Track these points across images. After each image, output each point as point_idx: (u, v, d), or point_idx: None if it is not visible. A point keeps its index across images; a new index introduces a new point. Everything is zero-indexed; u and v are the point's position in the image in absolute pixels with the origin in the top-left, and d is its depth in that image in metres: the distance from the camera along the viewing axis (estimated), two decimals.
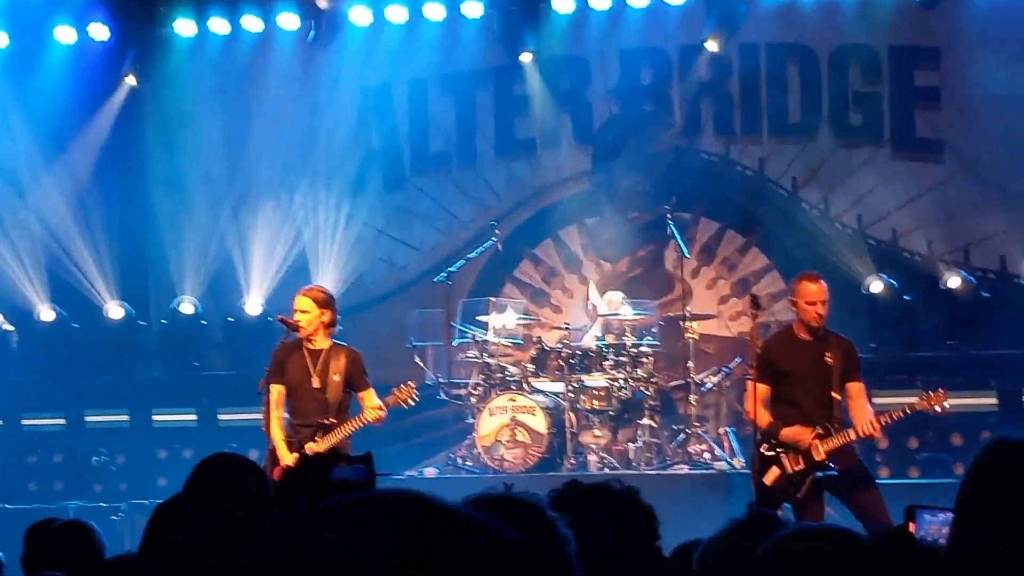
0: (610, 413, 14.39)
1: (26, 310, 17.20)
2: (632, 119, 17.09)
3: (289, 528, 2.11)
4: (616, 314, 14.65)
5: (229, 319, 17.28)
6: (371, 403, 11.07)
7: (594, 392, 14.32)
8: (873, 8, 16.39)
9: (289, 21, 17.15)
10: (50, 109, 17.19)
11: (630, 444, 14.46)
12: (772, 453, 10.56)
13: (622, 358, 14.36)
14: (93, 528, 6.20)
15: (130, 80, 17.55)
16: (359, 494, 2.11)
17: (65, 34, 17.23)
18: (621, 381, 14.28)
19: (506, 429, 14.00)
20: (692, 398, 14.54)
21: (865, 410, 10.56)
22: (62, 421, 16.89)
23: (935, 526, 4.36)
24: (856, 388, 10.65)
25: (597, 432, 14.39)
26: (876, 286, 15.96)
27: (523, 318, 15.43)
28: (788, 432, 10.50)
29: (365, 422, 10.98)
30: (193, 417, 16.73)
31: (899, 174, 16.50)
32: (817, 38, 16.69)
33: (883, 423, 10.48)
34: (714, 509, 12.21)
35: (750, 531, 3.66)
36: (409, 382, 11.34)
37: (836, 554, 3.04)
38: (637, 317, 14.68)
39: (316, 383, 10.98)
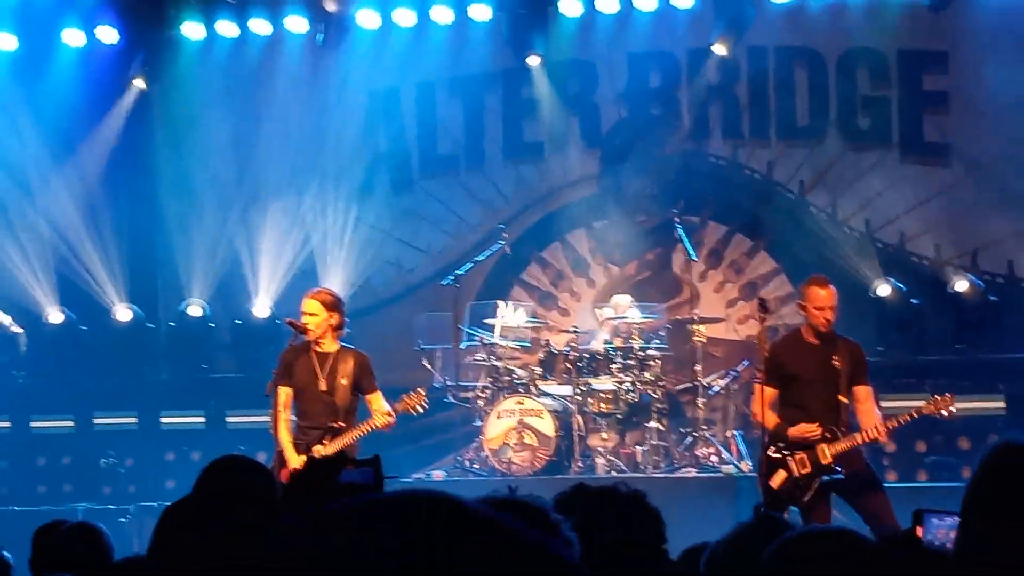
0: (617, 416, 14.39)
1: (35, 312, 17.23)
2: (640, 122, 17.09)
3: (297, 531, 2.12)
4: (623, 317, 14.65)
5: (237, 321, 17.29)
6: (379, 406, 11.07)
7: (602, 395, 14.32)
8: (881, 12, 16.37)
9: (297, 24, 17.16)
10: (59, 112, 17.21)
11: (637, 447, 14.46)
12: (779, 456, 10.55)
13: (630, 361, 14.36)
14: (101, 530, 6.22)
15: (139, 83, 17.57)
16: (368, 497, 2.11)
17: (74, 37, 17.26)
18: (629, 384, 14.28)
19: (514, 432, 14.01)
20: (700, 401, 14.55)
21: (873, 413, 10.56)
22: (71, 423, 16.91)
23: (942, 530, 4.36)
24: (864, 391, 10.64)
25: (604, 435, 14.39)
26: (884, 290, 15.95)
27: (531, 321, 15.43)
28: (795, 431, 10.50)
29: (374, 427, 10.97)
30: (201, 419, 16.75)
31: (907, 178, 16.49)
32: (825, 42, 16.69)
33: (890, 427, 10.47)
34: (721, 512, 12.21)
35: (757, 534, 3.67)
36: (419, 389, 11.32)
37: (842, 556, 3.05)
38: (645, 320, 14.68)
39: (323, 386, 10.98)
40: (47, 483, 16.58)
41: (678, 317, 15.53)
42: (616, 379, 14.30)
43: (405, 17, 16.96)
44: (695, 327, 14.73)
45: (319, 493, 4.77)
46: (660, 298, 15.99)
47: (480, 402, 14.61)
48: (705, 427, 14.55)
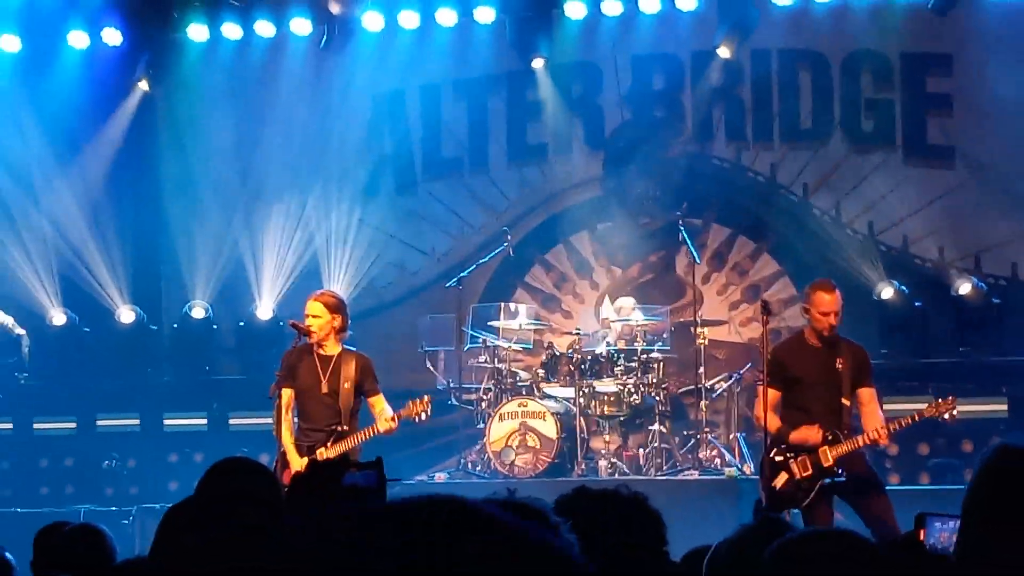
0: (620, 418, 14.39)
1: (38, 314, 17.23)
2: (644, 125, 17.09)
3: (299, 533, 2.12)
4: (627, 320, 14.65)
5: (240, 323, 17.30)
6: (381, 409, 11.05)
7: (605, 397, 14.32)
8: (885, 14, 16.37)
9: (301, 26, 17.16)
10: (63, 114, 17.22)
11: (640, 450, 14.46)
12: (781, 459, 10.55)
13: (633, 364, 14.36)
14: (103, 532, 6.22)
15: (143, 85, 17.58)
16: (371, 504, 2.11)
17: (78, 39, 17.27)
18: (631, 387, 14.28)
19: (516, 434, 14.01)
20: (702, 404, 14.54)
21: (876, 416, 10.55)
22: (73, 425, 16.91)
23: (945, 534, 4.36)
24: (867, 394, 10.64)
25: (607, 437, 14.40)
26: (887, 292, 15.95)
27: (534, 323, 15.43)
28: (797, 434, 10.50)
29: (377, 432, 10.96)
30: (204, 421, 16.75)
31: (911, 180, 16.49)
32: (829, 44, 16.69)
33: (891, 430, 10.47)
34: (724, 515, 12.21)
35: (759, 536, 3.66)
36: (424, 396, 11.31)
37: (843, 557, 3.05)
38: (648, 323, 14.68)
39: (325, 388, 10.97)
40: (49, 484, 16.58)
41: (681, 320, 15.53)
42: (619, 381, 14.30)
43: (409, 19, 16.96)
44: (698, 329, 14.72)
45: (322, 495, 4.77)
46: (663, 300, 15.98)
47: (483, 404, 14.61)
48: (708, 429, 14.55)
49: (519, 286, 17.15)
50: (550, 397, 14.45)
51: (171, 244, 17.58)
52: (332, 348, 11.04)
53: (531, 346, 15.32)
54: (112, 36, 17.21)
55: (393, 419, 10.97)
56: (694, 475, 14.08)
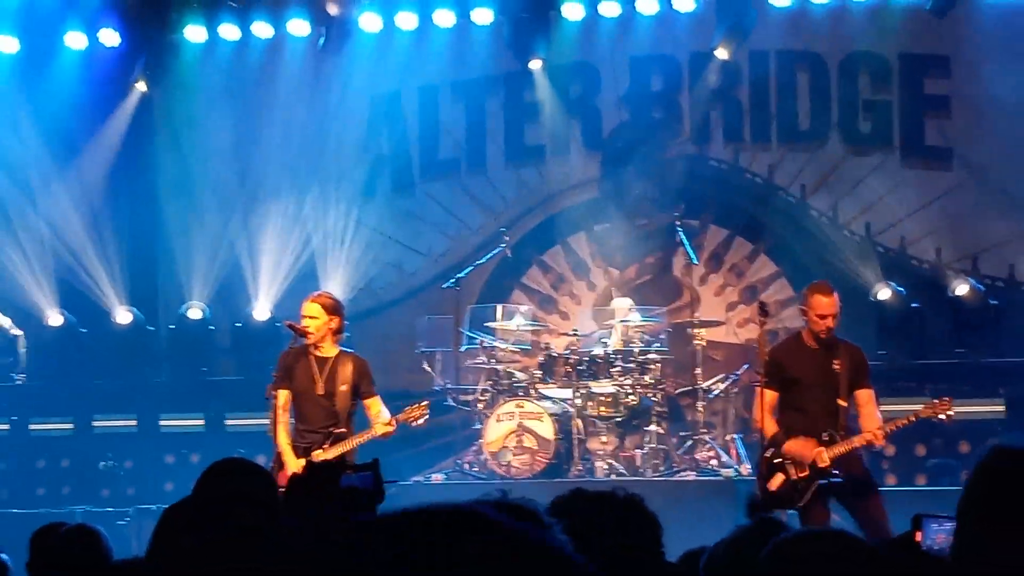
0: (617, 419, 14.38)
1: (35, 315, 17.23)
2: (641, 126, 17.09)
3: (296, 534, 2.11)
4: (626, 320, 14.64)
5: (237, 324, 17.29)
6: (376, 411, 11.03)
7: (601, 398, 14.32)
8: (883, 16, 16.37)
9: (299, 27, 17.16)
10: (61, 114, 17.21)
11: (637, 451, 14.46)
12: (778, 460, 10.56)
13: (630, 365, 14.37)
14: (100, 532, 6.21)
15: (140, 86, 17.58)
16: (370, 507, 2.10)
17: (76, 40, 17.26)
18: (628, 388, 14.29)
19: (513, 435, 14.00)
20: (699, 405, 14.55)
21: (874, 417, 10.56)
22: (70, 426, 16.89)
23: (942, 535, 4.35)
24: (865, 395, 10.64)
25: (604, 438, 14.39)
26: (884, 293, 15.95)
27: (531, 324, 15.43)
28: (791, 446, 10.51)
29: (374, 436, 10.94)
30: (201, 422, 16.73)
31: (908, 182, 16.50)
32: (827, 46, 16.69)
33: (887, 431, 10.48)
34: (721, 516, 12.19)
35: (756, 537, 3.66)
36: (423, 401, 11.29)
37: (838, 557, 3.05)
38: (647, 324, 14.69)
39: (320, 390, 10.95)
40: (46, 485, 16.56)
41: (678, 321, 15.53)
42: (616, 382, 14.30)
43: (407, 20, 16.96)
44: (695, 330, 14.73)
45: (319, 497, 4.76)
46: (660, 302, 15.98)
47: (480, 405, 14.61)
48: (704, 431, 14.55)
49: (516, 287, 17.15)
50: (547, 398, 14.45)
51: (168, 245, 17.58)
52: (329, 350, 11.03)
53: (528, 347, 15.32)
54: (110, 37, 17.21)
55: (391, 423, 10.96)
56: (691, 476, 14.08)
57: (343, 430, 10.93)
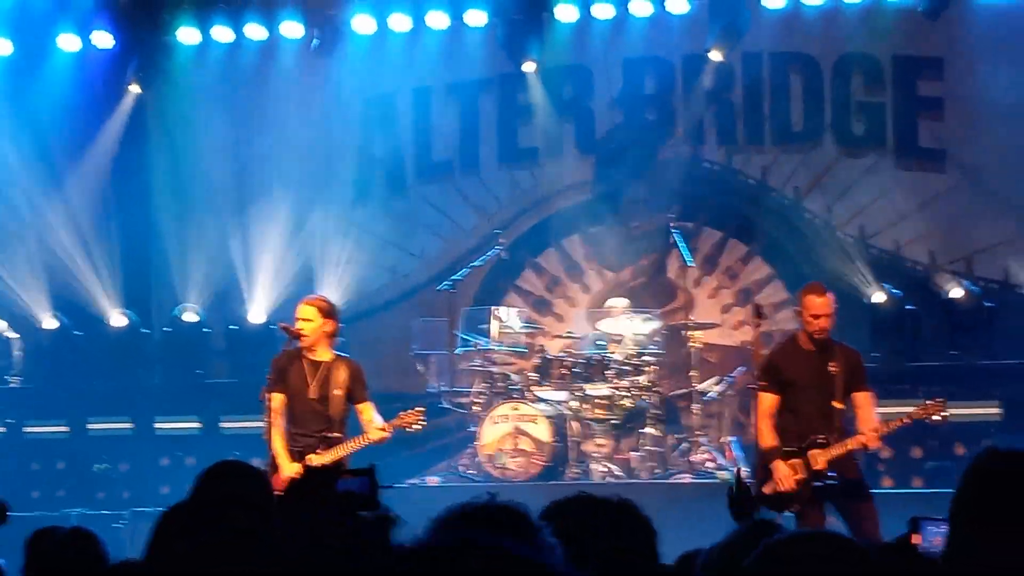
0: (613, 422, 14.39)
1: (30, 318, 17.22)
2: (635, 128, 17.08)
3: (292, 538, 2.12)
4: (627, 333, 14.60)
5: (232, 327, 17.28)
6: (369, 417, 10.99)
7: (597, 401, 14.32)
8: (876, 18, 16.37)
9: (292, 29, 17.15)
10: (54, 116, 17.21)
11: (633, 453, 14.46)
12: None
13: (625, 367, 14.37)
14: (95, 536, 6.20)
15: (134, 88, 17.57)
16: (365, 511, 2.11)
17: (69, 42, 17.24)
18: (624, 390, 14.29)
19: (509, 438, 14.01)
20: (695, 407, 14.55)
21: (870, 420, 10.57)
22: (65, 429, 16.87)
23: (939, 538, 4.36)
24: (862, 397, 10.66)
25: (600, 441, 14.39)
26: (878, 296, 15.96)
27: (526, 326, 15.42)
28: (776, 468, 10.53)
29: (369, 441, 10.91)
30: (196, 425, 16.72)
31: (902, 184, 16.50)
32: (820, 47, 16.69)
33: (882, 433, 10.49)
34: (716, 518, 12.12)
35: (752, 540, 3.66)
36: (418, 407, 11.26)
37: (831, 558, 3.05)
38: (646, 334, 14.68)
39: (313, 393, 10.92)
40: (41, 488, 16.54)
41: (673, 323, 15.53)
42: (611, 385, 14.30)
43: (400, 22, 16.96)
44: (690, 333, 14.74)
45: (314, 501, 4.77)
46: (655, 304, 15.97)
47: (475, 408, 14.61)
48: (700, 433, 14.55)
49: (511, 289, 17.14)
50: (542, 400, 14.45)
51: (162, 247, 17.57)
52: (323, 354, 11.00)
53: (523, 349, 15.32)
54: (103, 39, 17.21)
55: (386, 428, 10.93)
56: (687, 478, 14.09)
57: (337, 435, 10.91)
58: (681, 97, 17.11)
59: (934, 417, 10.57)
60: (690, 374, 14.66)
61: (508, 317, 15.19)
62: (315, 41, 17.24)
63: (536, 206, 17.35)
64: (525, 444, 13.99)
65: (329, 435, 10.88)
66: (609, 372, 14.36)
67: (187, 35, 17.29)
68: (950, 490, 3.66)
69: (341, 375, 10.93)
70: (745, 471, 13.44)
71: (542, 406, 14.28)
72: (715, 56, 16.62)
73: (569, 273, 17.27)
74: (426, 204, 17.48)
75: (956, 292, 15.84)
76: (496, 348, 14.82)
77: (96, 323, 17.29)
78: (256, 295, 17.13)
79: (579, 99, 17.34)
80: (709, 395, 14.86)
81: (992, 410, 15.15)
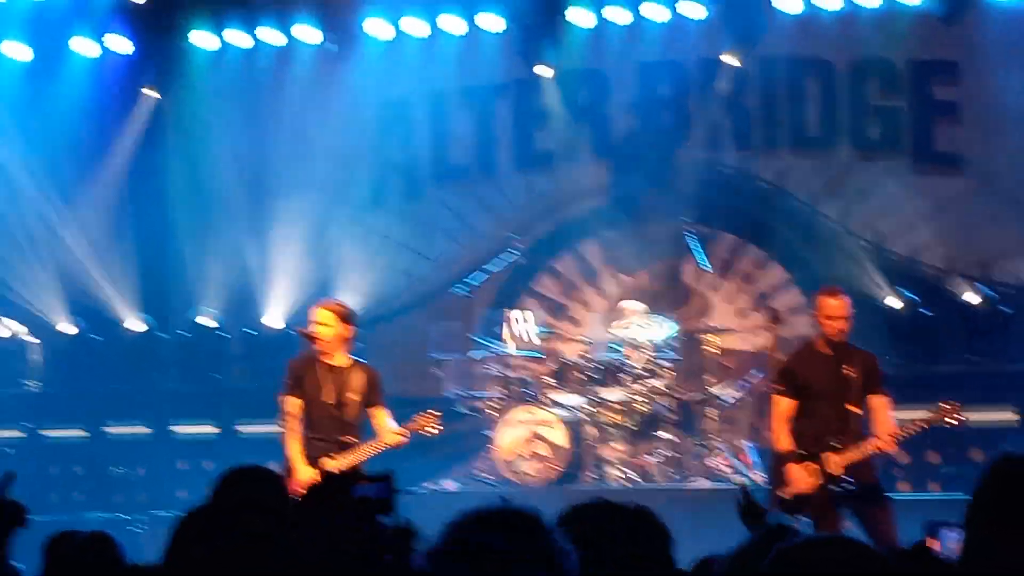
0: (629, 426, 14.38)
1: (48, 322, 17.27)
2: (651, 132, 17.07)
3: (308, 543, 2.13)
4: (643, 339, 14.59)
5: (248, 331, 17.30)
6: (382, 422, 10.97)
7: (613, 405, 14.32)
8: (892, 22, 16.35)
9: (309, 34, 17.18)
10: (72, 121, 17.26)
11: (649, 458, 14.45)
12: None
13: (641, 372, 14.36)
14: (113, 539, 6.21)
15: (151, 92, 17.62)
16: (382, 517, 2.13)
17: (86, 47, 17.30)
18: (640, 394, 14.28)
19: (525, 442, 14.02)
20: (711, 412, 14.54)
21: (887, 424, 10.55)
22: (83, 433, 16.92)
23: (957, 543, 4.36)
24: (878, 401, 10.64)
25: (616, 445, 14.39)
26: (894, 300, 15.93)
27: (542, 331, 15.42)
28: (792, 471, 10.52)
29: (385, 445, 10.91)
30: (213, 429, 16.75)
31: (918, 188, 16.46)
32: (836, 51, 16.68)
33: (898, 437, 10.48)
34: (733, 523, 12.16)
35: (768, 545, 3.67)
36: (433, 411, 11.27)
37: (846, 563, 3.05)
38: (663, 334, 14.67)
39: (330, 398, 10.91)
40: (59, 492, 16.59)
41: (689, 327, 15.52)
42: (628, 389, 14.30)
43: (416, 27, 16.98)
44: (706, 337, 14.73)
45: (331, 506, 4.78)
46: (671, 308, 15.96)
47: (492, 412, 14.61)
48: (716, 438, 14.54)
49: (527, 294, 17.14)
50: (558, 405, 14.45)
51: (179, 251, 17.60)
52: (340, 359, 10.99)
53: (539, 354, 15.31)
54: (120, 44, 17.26)
55: (402, 433, 10.93)
56: (703, 483, 14.08)
57: (352, 439, 10.91)
58: (697, 101, 17.10)
59: (949, 420, 10.56)
60: (706, 379, 14.65)
61: (524, 322, 15.19)
62: (331, 46, 17.27)
63: (552, 211, 17.35)
64: (541, 449, 14.00)
65: (345, 440, 10.87)
66: (625, 377, 14.35)
67: (204, 40, 17.34)
68: (967, 495, 3.66)
69: (358, 380, 10.93)
70: (761, 476, 13.51)
71: (558, 410, 14.29)
72: (731, 60, 16.62)
73: (585, 278, 17.27)
74: (443, 208, 17.49)
75: (973, 297, 15.81)
76: (512, 353, 14.82)
77: (113, 327, 17.34)
78: (273, 299, 17.16)
79: (595, 104, 17.34)
80: (725, 400, 14.85)
81: (1009, 415, 15.11)
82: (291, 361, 11.13)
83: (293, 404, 10.91)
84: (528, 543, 2.92)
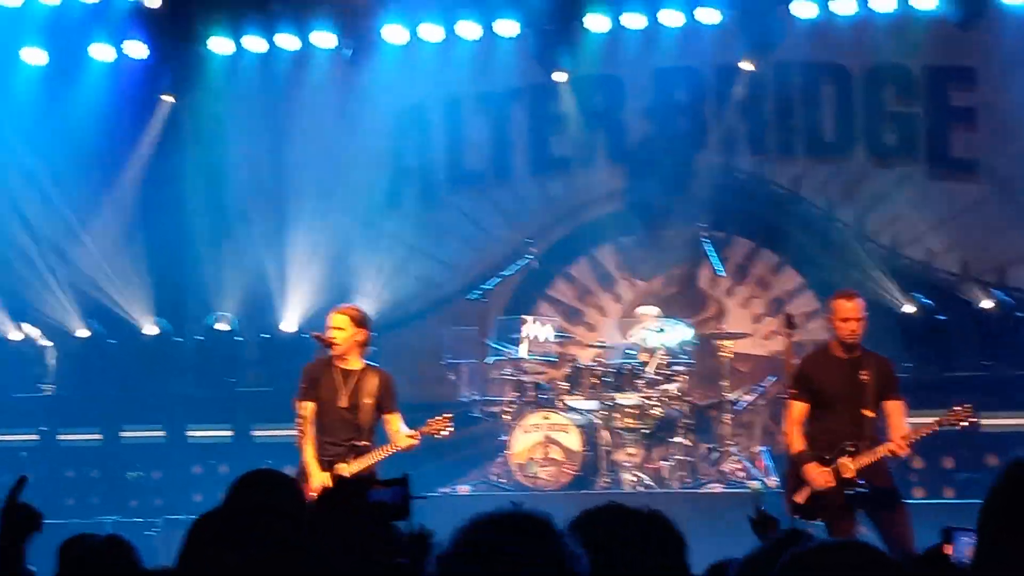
0: (644, 431, 14.38)
1: (63, 326, 17.31)
2: (666, 138, 17.07)
3: (323, 548, 2.14)
4: (659, 345, 14.58)
5: (264, 336, 17.32)
6: (395, 427, 10.98)
7: (628, 410, 14.32)
8: (908, 27, 16.32)
9: (325, 39, 17.20)
10: (88, 126, 17.28)
11: (664, 462, 14.45)
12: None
13: (656, 376, 14.36)
14: (129, 543, 6.23)
15: (167, 98, 17.65)
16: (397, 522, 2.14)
17: (103, 52, 17.33)
18: (655, 399, 14.28)
19: (540, 447, 14.02)
20: (726, 417, 14.54)
21: (901, 428, 10.55)
22: (98, 436, 16.94)
23: (971, 548, 4.36)
24: (894, 406, 10.64)
25: (631, 450, 14.39)
26: (910, 306, 15.91)
27: (557, 336, 15.43)
28: (808, 470, 10.52)
29: (398, 449, 10.93)
30: (228, 433, 16.76)
31: (934, 194, 16.46)
32: (852, 57, 16.67)
33: (910, 440, 10.47)
34: (747, 528, 12.17)
35: (782, 550, 3.67)
36: (445, 414, 11.28)
37: (860, 567, 3.05)
38: (677, 339, 14.66)
39: (344, 402, 10.92)
40: (74, 496, 16.61)
41: (704, 332, 15.51)
42: (642, 394, 14.30)
43: (432, 32, 16.99)
44: (721, 342, 14.72)
45: (346, 511, 4.78)
46: (686, 313, 15.96)
47: (506, 417, 14.62)
48: (731, 442, 14.54)
49: (542, 299, 17.15)
50: (573, 410, 14.46)
51: (195, 256, 17.63)
52: (355, 363, 11.02)
53: (554, 359, 15.32)
54: (137, 49, 17.29)
55: (414, 435, 10.95)
56: (718, 488, 14.07)
57: (365, 443, 10.92)
58: (712, 107, 17.10)
59: (963, 423, 10.56)
60: (721, 383, 14.65)
61: (539, 326, 15.19)
62: (347, 51, 17.29)
63: (567, 216, 17.36)
64: (556, 453, 14.00)
65: (358, 444, 10.88)
66: (640, 381, 14.36)
67: (220, 45, 17.36)
68: (982, 501, 3.66)
69: (372, 384, 10.94)
70: (775, 481, 13.49)
71: (573, 415, 14.29)
72: (746, 66, 16.62)
73: (600, 283, 17.27)
74: (458, 214, 17.50)
75: (988, 302, 15.79)
76: (527, 357, 14.83)
77: (129, 331, 17.37)
78: (288, 304, 17.18)
79: (610, 109, 17.35)
80: (740, 405, 14.84)
81: None
82: (306, 365, 11.15)
83: (307, 408, 10.92)
84: (538, 547, 2.93)
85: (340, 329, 10.96)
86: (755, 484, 13.88)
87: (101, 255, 17.41)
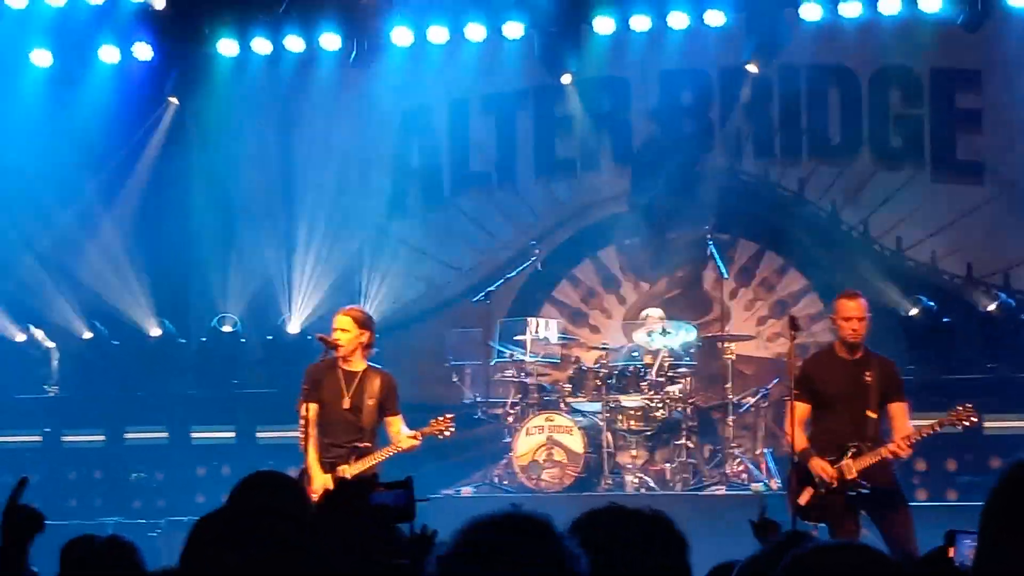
0: (647, 433, 14.39)
1: (67, 327, 17.32)
2: (672, 140, 17.07)
3: (325, 550, 2.14)
4: (662, 346, 14.57)
5: (268, 337, 17.33)
6: (397, 429, 11.01)
7: (631, 412, 14.33)
8: (914, 30, 16.31)
9: (331, 41, 17.19)
10: (94, 128, 17.29)
11: (667, 464, 14.46)
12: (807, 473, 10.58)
13: (659, 378, 14.37)
14: (131, 544, 6.23)
15: (173, 99, 17.66)
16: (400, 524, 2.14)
17: (109, 54, 17.33)
18: (658, 401, 14.29)
19: (543, 448, 14.03)
20: (729, 419, 14.54)
21: (905, 430, 10.57)
22: (101, 438, 16.95)
23: (974, 550, 4.35)
24: (897, 408, 10.65)
25: (634, 452, 14.40)
26: (914, 308, 15.91)
27: (561, 338, 15.43)
28: (815, 464, 10.52)
29: (399, 450, 10.94)
30: (231, 434, 16.76)
31: (939, 196, 16.45)
32: (858, 60, 16.66)
33: (912, 441, 10.48)
34: (750, 530, 12.16)
35: (784, 552, 3.67)
36: (447, 414, 11.29)
37: (861, 569, 3.05)
38: (681, 341, 14.67)
39: (347, 404, 10.94)
40: (77, 497, 16.62)
41: (708, 334, 15.51)
42: (646, 396, 14.31)
43: (438, 34, 16.97)
44: (725, 344, 14.72)
45: (348, 513, 4.78)
46: (690, 315, 15.97)
47: (510, 418, 14.63)
48: (735, 445, 14.54)
49: (546, 301, 17.15)
50: (577, 411, 14.47)
51: (200, 257, 17.63)
52: (358, 364, 11.03)
53: (558, 360, 15.33)
54: (143, 51, 17.29)
55: (416, 436, 10.97)
56: (721, 490, 14.08)
57: (367, 445, 10.93)
58: (718, 109, 17.10)
59: (964, 423, 10.57)
60: (725, 386, 14.65)
61: (543, 328, 15.20)
62: (353, 53, 17.28)
63: (572, 218, 17.36)
64: (559, 455, 14.00)
65: (360, 445, 10.90)
66: (643, 383, 14.36)
67: (226, 47, 17.35)
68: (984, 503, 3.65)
69: (374, 385, 10.96)
70: (778, 483, 13.50)
71: (576, 417, 14.30)
72: (752, 68, 16.61)
73: (605, 285, 17.27)
74: (463, 215, 17.51)
75: (993, 305, 15.78)
76: (531, 359, 14.83)
77: (133, 333, 17.37)
78: (293, 305, 17.19)
79: (616, 111, 17.34)
80: (744, 407, 14.84)
81: None
82: (308, 367, 11.16)
83: (311, 410, 10.92)
84: (538, 547, 2.93)
85: (344, 331, 10.99)
86: (758, 486, 13.90)
87: (106, 256, 17.42)
